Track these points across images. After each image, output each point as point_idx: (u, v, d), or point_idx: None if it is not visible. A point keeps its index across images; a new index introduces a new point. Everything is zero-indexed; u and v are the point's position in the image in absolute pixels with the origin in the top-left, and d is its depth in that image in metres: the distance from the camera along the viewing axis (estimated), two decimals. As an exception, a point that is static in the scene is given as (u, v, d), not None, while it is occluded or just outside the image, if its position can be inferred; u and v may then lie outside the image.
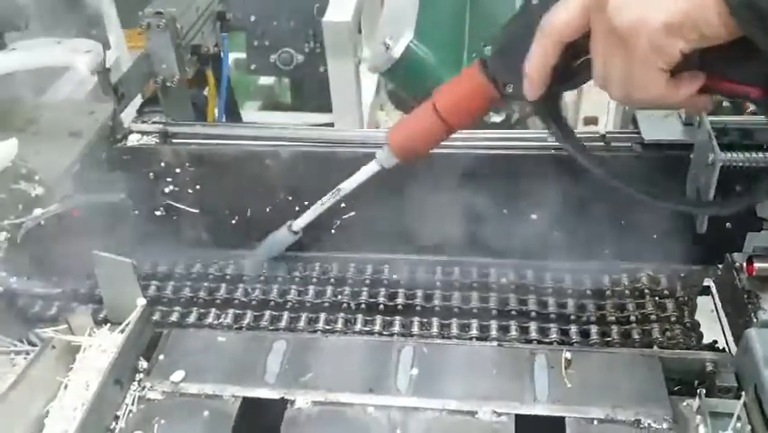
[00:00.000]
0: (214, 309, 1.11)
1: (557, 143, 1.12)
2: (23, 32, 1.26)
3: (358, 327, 1.08)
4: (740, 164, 0.99)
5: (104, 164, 1.19)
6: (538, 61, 0.74)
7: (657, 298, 1.09)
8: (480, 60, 0.81)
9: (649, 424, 0.83)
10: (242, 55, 2.33)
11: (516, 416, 0.85)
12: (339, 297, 1.13)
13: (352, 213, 1.18)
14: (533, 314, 1.07)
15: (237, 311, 1.11)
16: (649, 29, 0.63)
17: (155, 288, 1.16)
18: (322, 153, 1.15)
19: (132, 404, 0.89)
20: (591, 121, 2.35)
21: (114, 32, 2.14)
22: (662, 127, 1.09)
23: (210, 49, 1.60)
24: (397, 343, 0.96)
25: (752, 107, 1.15)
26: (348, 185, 1.01)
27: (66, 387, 0.89)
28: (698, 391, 0.86)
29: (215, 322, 1.09)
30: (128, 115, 1.30)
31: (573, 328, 1.04)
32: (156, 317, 1.08)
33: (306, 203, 1.14)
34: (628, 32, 0.65)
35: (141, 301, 0.94)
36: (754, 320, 0.95)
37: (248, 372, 0.92)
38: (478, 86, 0.83)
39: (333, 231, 1.20)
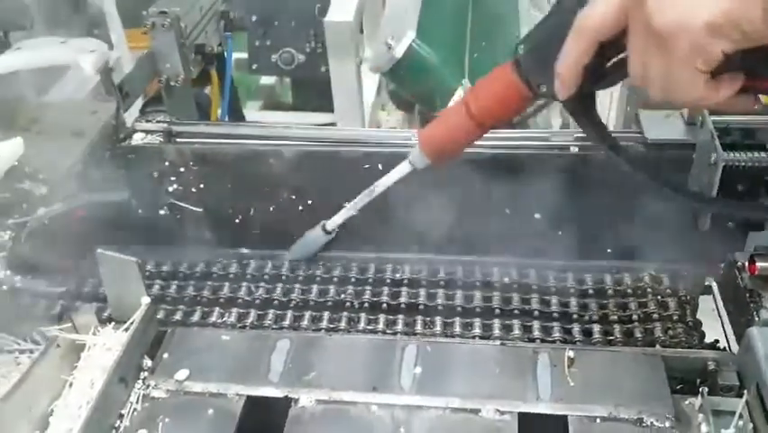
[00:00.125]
0: (217, 308, 1.11)
1: (559, 144, 1.13)
2: (28, 31, 1.27)
3: (361, 325, 1.08)
4: (742, 164, 0.99)
5: (107, 163, 1.19)
6: (571, 60, 0.72)
7: (659, 297, 1.09)
8: (514, 59, 0.80)
9: (651, 422, 0.83)
10: (244, 55, 2.34)
11: (519, 414, 0.85)
12: (342, 296, 1.13)
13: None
14: (535, 313, 1.08)
15: (240, 310, 1.11)
16: (691, 28, 0.62)
17: (159, 287, 1.16)
18: (325, 153, 1.15)
19: (137, 402, 0.89)
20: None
21: (115, 32, 2.14)
22: (664, 127, 1.09)
23: (214, 48, 1.61)
24: (401, 341, 0.97)
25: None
26: (381, 185, 1.02)
27: (71, 385, 0.89)
28: (700, 389, 0.86)
29: (219, 321, 1.09)
30: (130, 115, 1.30)
31: (576, 327, 1.05)
32: (160, 315, 1.08)
33: (309, 202, 1.14)
34: (668, 32, 0.63)
35: (146, 300, 0.94)
36: (756, 319, 0.95)
37: (252, 370, 0.92)
38: (511, 85, 0.81)
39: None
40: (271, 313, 1.10)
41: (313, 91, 2.47)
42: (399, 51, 1.64)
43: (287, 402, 0.88)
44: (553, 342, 1.02)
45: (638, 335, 1.03)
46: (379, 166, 1.11)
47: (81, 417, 0.83)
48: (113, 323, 0.95)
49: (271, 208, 1.19)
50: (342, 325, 1.08)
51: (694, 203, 0.86)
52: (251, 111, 2.76)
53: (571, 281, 1.13)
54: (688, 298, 1.09)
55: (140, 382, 0.91)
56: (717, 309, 1.10)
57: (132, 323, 0.92)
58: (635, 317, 1.06)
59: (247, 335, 1.01)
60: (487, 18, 1.91)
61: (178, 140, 1.19)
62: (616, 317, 1.07)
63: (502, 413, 0.85)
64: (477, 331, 1.05)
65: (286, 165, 1.16)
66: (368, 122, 2.10)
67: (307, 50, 2.30)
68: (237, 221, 1.21)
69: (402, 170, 0.98)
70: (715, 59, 0.63)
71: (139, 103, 1.46)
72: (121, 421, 0.86)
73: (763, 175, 1.02)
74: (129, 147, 1.18)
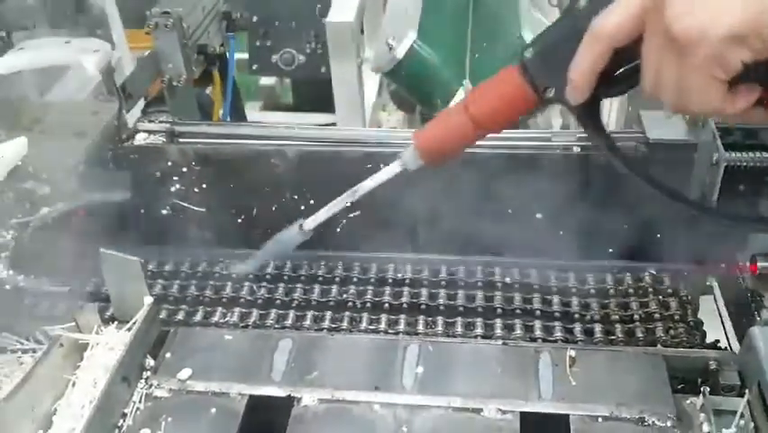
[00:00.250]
0: (220, 308, 1.12)
1: (561, 144, 1.13)
2: (31, 31, 1.27)
3: (363, 325, 1.08)
4: (744, 164, 1.00)
5: (110, 163, 1.20)
6: (586, 66, 0.71)
7: (661, 297, 1.09)
8: (520, 62, 0.78)
9: (653, 422, 0.83)
10: (244, 56, 2.34)
11: (521, 414, 0.85)
12: (344, 296, 1.13)
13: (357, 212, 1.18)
14: (537, 312, 1.08)
15: (243, 310, 1.11)
16: (712, 38, 0.60)
17: (161, 286, 1.16)
18: (328, 153, 1.16)
19: (140, 402, 0.89)
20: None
21: (116, 32, 2.14)
22: (666, 127, 1.09)
23: (216, 49, 1.61)
24: (403, 341, 0.97)
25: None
26: (366, 185, 0.97)
27: (74, 385, 0.89)
28: (701, 389, 0.87)
29: (222, 320, 1.09)
30: (131, 115, 1.30)
31: (578, 327, 1.05)
32: (162, 315, 1.08)
33: (311, 202, 1.14)
34: (688, 41, 0.61)
35: (149, 299, 0.94)
36: (758, 319, 0.96)
37: (254, 370, 0.92)
38: (516, 88, 0.79)
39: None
40: (273, 313, 1.10)
41: (313, 92, 2.47)
42: (401, 52, 1.64)
43: (289, 402, 0.88)
44: (555, 341, 1.02)
45: (639, 334, 1.03)
46: (381, 166, 1.10)
47: (84, 416, 0.83)
48: (115, 322, 0.95)
49: (273, 208, 1.19)
50: (345, 324, 1.08)
51: (703, 214, 0.85)
52: (251, 112, 2.76)
53: (573, 281, 1.14)
54: (689, 297, 1.09)
55: (142, 381, 0.91)
56: (718, 309, 1.10)
57: (134, 322, 0.93)
58: (636, 316, 1.06)
59: (249, 334, 1.02)
60: (488, 19, 1.90)
61: (181, 140, 1.19)
62: (617, 317, 1.07)
63: (504, 412, 0.86)
64: (479, 331, 1.05)
65: (288, 165, 1.16)
66: (368, 122, 2.10)
67: (308, 50, 2.30)
68: (239, 221, 1.21)
69: (391, 170, 0.93)
70: (734, 68, 0.62)
71: (140, 104, 1.46)
72: (124, 421, 0.87)
73: (765, 175, 1.02)
74: (132, 147, 1.18)
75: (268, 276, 1.18)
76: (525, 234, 1.16)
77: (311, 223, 1.03)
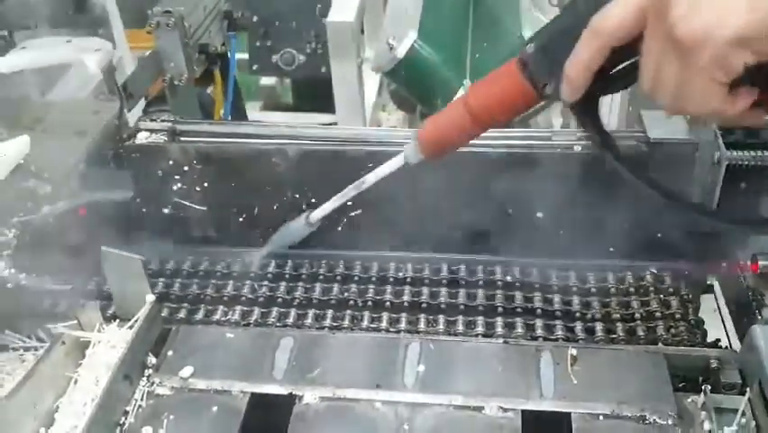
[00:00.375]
0: (221, 306, 1.12)
1: (562, 143, 1.13)
2: (32, 30, 1.27)
3: (365, 323, 1.08)
4: (746, 162, 1.00)
5: (111, 162, 1.20)
6: (582, 63, 0.71)
7: (662, 295, 1.09)
8: (519, 58, 0.78)
9: (654, 420, 0.84)
10: (244, 56, 2.34)
11: (523, 412, 0.86)
12: (346, 294, 1.14)
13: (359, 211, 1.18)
14: (538, 311, 1.08)
15: (245, 308, 1.11)
16: (717, 40, 0.59)
17: (163, 285, 1.16)
18: (329, 151, 1.16)
19: (142, 400, 0.89)
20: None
21: (116, 32, 2.14)
22: (667, 125, 1.09)
23: (217, 48, 1.61)
24: (404, 339, 0.97)
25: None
26: (371, 178, 1.00)
27: (75, 383, 0.90)
28: (702, 387, 0.87)
29: (223, 319, 1.09)
30: (132, 114, 1.30)
31: (579, 325, 1.05)
32: (164, 313, 1.08)
33: (313, 201, 1.14)
34: (693, 42, 0.61)
35: (150, 297, 0.94)
36: (759, 317, 0.96)
37: (256, 368, 0.93)
38: (515, 84, 0.79)
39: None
40: (275, 311, 1.10)
41: (313, 92, 2.46)
42: (401, 52, 1.64)
43: (291, 400, 0.89)
44: (556, 340, 1.02)
45: (641, 333, 1.03)
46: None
47: (86, 414, 0.84)
48: (117, 320, 0.96)
49: (275, 207, 1.19)
50: (346, 323, 1.08)
51: (701, 216, 0.84)
52: (251, 112, 2.75)
53: (574, 280, 1.14)
54: (690, 296, 1.09)
55: (144, 379, 0.91)
56: (719, 308, 1.10)
57: (136, 320, 0.93)
58: (637, 315, 1.07)
59: (251, 332, 1.02)
60: (488, 18, 1.91)
61: (183, 139, 1.19)
62: (618, 316, 1.07)
63: (505, 411, 0.86)
64: (480, 329, 1.05)
65: (290, 164, 1.16)
66: (369, 122, 2.10)
67: (308, 50, 2.30)
68: (240, 219, 1.22)
69: (394, 164, 0.96)
70: (736, 71, 0.61)
71: (141, 104, 1.46)
72: (126, 418, 0.87)
73: (767, 174, 1.02)
74: (133, 146, 1.18)
75: (269, 274, 1.18)
76: (525, 232, 1.17)
77: (318, 214, 1.08)
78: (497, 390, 0.88)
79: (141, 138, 1.19)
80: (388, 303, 1.11)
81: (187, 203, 1.20)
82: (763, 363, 0.83)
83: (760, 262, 0.99)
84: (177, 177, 1.19)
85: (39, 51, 1.22)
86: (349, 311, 1.10)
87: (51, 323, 0.96)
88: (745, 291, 1.01)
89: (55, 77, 1.27)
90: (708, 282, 1.14)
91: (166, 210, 1.21)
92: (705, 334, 1.04)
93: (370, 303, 1.12)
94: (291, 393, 0.89)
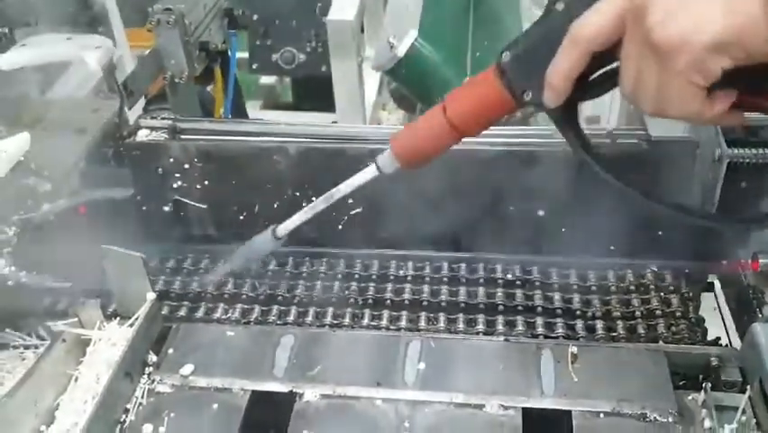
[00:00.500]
0: (222, 304, 1.12)
1: (563, 141, 1.13)
2: (33, 28, 1.27)
3: (365, 321, 1.08)
4: (747, 160, 1.00)
5: (112, 160, 1.20)
6: (563, 70, 0.71)
7: (662, 293, 1.09)
8: (496, 65, 0.78)
9: (655, 417, 0.84)
10: (244, 54, 2.34)
11: (523, 409, 0.86)
12: (346, 292, 1.14)
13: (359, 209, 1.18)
14: (539, 309, 1.08)
15: (245, 306, 1.11)
16: (694, 46, 0.60)
17: (163, 283, 1.16)
18: (330, 150, 1.16)
19: (142, 397, 0.89)
20: (593, 120, 2.35)
21: (116, 31, 2.14)
22: (668, 123, 1.09)
23: (218, 46, 1.61)
24: (405, 337, 0.97)
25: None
26: (342, 190, 0.96)
27: (76, 380, 0.90)
28: (703, 385, 0.87)
29: (224, 317, 1.09)
30: (133, 112, 1.30)
31: (579, 323, 1.05)
32: (164, 311, 1.08)
33: (313, 199, 1.14)
34: (670, 48, 0.61)
35: (151, 295, 0.94)
36: (760, 315, 0.96)
37: (256, 365, 0.93)
38: (493, 91, 0.79)
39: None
40: (275, 309, 1.10)
41: (313, 91, 2.47)
42: (402, 50, 1.64)
43: (291, 397, 0.89)
44: (557, 338, 1.02)
45: (641, 331, 1.03)
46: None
47: (87, 411, 0.84)
48: (118, 318, 0.96)
49: (276, 205, 1.19)
50: (347, 321, 1.08)
51: (685, 216, 0.84)
52: (251, 111, 2.75)
53: (575, 278, 1.14)
54: (690, 294, 1.09)
55: (145, 377, 0.92)
56: (719, 306, 1.10)
57: (137, 318, 0.93)
58: (637, 313, 1.06)
59: (251, 330, 1.02)
60: (488, 17, 1.91)
61: (183, 136, 1.19)
62: (619, 314, 1.07)
63: (506, 408, 0.86)
64: (480, 327, 1.05)
65: (291, 162, 1.16)
66: (369, 121, 2.10)
67: (308, 49, 2.30)
68: (241, 217, 1.22)
69: (367, 174, 0.92)
70: (714, 75, 0.62)
71: (141, 102, 1.46)
72: (126, 416, 0.87)
73: (768, 171, 1.03)
74: (134, 143, 1.18)
75: (270, 273, 1.18)
76: (526, 231, 1.17)
77: (283, 230, 1.03)
78: (497, 387, 0.88)
79: (142, 136, 1.19)
80: (388, 301, 1.11)
81: (188, 201, 1.20)
82: (763, 361, 0.83)
83: (761, 260, 0.99)
84: (177, 175, 1.19)
85: (39, 49, 1.22)
86: (349, 309, 1.10)
87: (52, 321, 0.96)
88: (746, 289, 1.01)
89: (55, 74, 1.27)
90: (709, 280, 1.14)
91: (166, 208, 1.21)
92: (705, 332, 1.04)
93: (370, 301, 1.12)
94: (292, 391, 0.89)
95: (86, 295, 0.99)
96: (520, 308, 1.09)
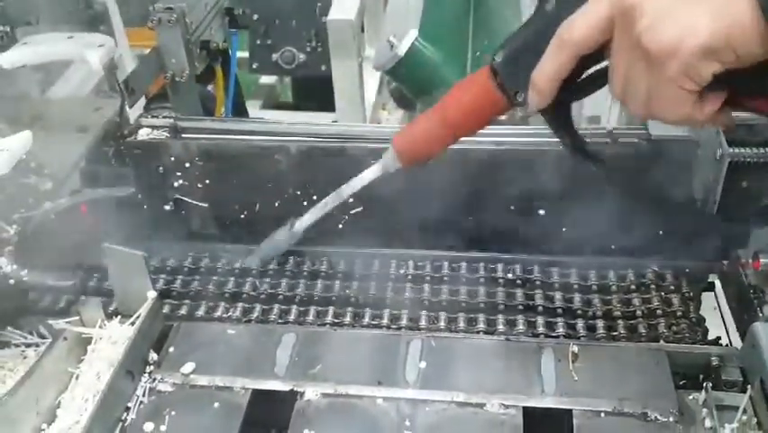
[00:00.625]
0: (223, 303, 1.12)
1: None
2: (34, 26, 1.27)
3: (366, 320, 1.08)
4: (748, 159, 1.00)
5: (113, 159, 1.20)
6: (549, 73, 0.71)
7: (663, 293, 1.09)
8: (490, 66, 0.78)
9: (656, 417, 0.84)
10: (244, 54, 2.33)
11: (524, 408, 0.86)
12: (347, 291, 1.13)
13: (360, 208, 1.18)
14: (540, 308, 1.08)
15: (246, 305, 1.11)
16: (684, 51, 0.60)
17: (164, 281, 1.16)
18: (331, 149, 1.16)
19: (143, 396, 0.89)
20: (594, 120, 2.35)
21: (116, 30, 2.14)
22: (668, 123, 1.09)
23: (219, 45, 1.61)
24: (406, 336, 0.97)
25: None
26: (350, 187, 1.00)
27: (77, 378, 0.90)
28: (704, 384, 0.87)
29: (225, 315, 1.09)
30: (133, 111, 1.30)
31: (580, 323, 1.05)
32: (165, 309, 1.08)
33: (315, 198, 1.14)
34: (660, 53, 0.61)
35: (152, 294, 0.94)
36: (760, 315, 0.96)
37: (258, 364, 0.93)
38: (486, 92, 0.79)
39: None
40: (276, 308, 1.10)
41: (313, 90, 2.46)
42: (402, 50, 1.64)
43: (292, 396, 0.89)
44: (558, 337, 1.02)
45: (642, 330, 1.03)
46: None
47: (88, 410, 0.84)
48: (119, 317, 0.96)
49: (277, 204, 1.19)
50: (347, 320, 1.08)
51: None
52: (251, 110, 2.74)
53: (575, 277, 1.14)
54: (691, 294, 1.09)
55: (146, 375, 0.92)
56: (719, 306, 1.10)
57: (138, 317, 0.93)
58: (638, 312, 1.06)
59: (252, 329, 1.02)
60: (489, 17, 1.91)
61: (184, 135, 1.19)
62: (619, 313, 1.07)
63: (507, 407, 0.86)
64: (481, 326, 1.05)
65: (292, 161, 1.16)
66: (369, 121, 2.10)
67: (308, 49, 2.29)
68: (242, 216, 1.22)
69: (374, 172, 0.96)
70: (705, 80, 0.62)
71: (142, 100, 1.46)
72: (127, 414, 0.87)
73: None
74: (135, 142, 1.18)
75: (270, 271, 1.18)
76: (526, 230, 1.17)
77: (299, 225, 1.09)
78: (498, 386, 0.88)
79: (143, 135, 1.19)
80: (389, 300, 1.11)
81: (189, 200, 1.20)
82: (764, 361, 0.83)
83: (761, 260, 0.99)
84: (178, 173, 1.19)
85: (40, 47, 1.22)
86: (350, 308, 1.10)
87: (53, 319, 0.96)
88: (747, 289, 1.01)
89: (56, 73, 1.27)
90: (710, 280, 1.14)
91: (167, 207, 1.21)
92: (706, 331, 1.04)
93: (371, 300, 1.11)
94: (293, 389, 0.89)
95: (88, 293, 0.99)
96: (521, 307, 1.08)
